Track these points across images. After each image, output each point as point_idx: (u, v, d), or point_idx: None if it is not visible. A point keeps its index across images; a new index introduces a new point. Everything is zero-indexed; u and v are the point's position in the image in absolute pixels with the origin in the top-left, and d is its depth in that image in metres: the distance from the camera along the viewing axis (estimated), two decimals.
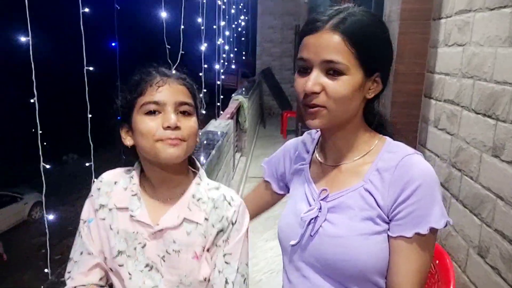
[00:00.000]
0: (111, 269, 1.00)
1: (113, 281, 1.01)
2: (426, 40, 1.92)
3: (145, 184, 1.03)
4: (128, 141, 0.99)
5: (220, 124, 3.63)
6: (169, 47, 2.88)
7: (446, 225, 0.87)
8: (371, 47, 0.89)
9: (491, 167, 1.39)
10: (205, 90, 3.89)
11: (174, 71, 1.03)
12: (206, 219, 0.99)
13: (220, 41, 5.15)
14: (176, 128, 0.92)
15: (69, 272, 1.00)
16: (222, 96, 5.03)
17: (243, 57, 11.15)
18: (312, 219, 0.97)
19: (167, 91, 0.95)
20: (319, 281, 0.96)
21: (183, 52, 3.18)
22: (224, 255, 0.99)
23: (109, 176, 1.06)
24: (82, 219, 1.04)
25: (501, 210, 1.33)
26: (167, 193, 1.01)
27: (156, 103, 0.94)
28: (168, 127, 0.91)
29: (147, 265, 0.98)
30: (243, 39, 10.35)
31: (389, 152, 0.92)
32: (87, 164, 2.71)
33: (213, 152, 2.46)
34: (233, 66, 7.84)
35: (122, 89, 1.01)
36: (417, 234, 0.85)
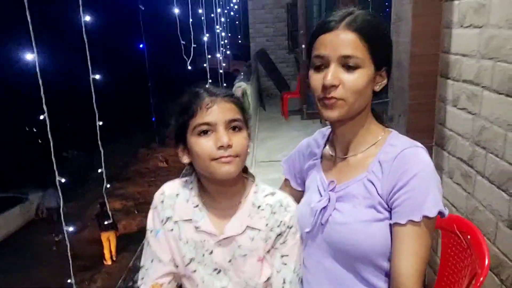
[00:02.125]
0: (184, 275, 1.07)
1: (186, 285, 1.09)
2: (439, 21, 1.96)
3: (204, 195, 1.10)
4: (185, 159, 1.07)
5: None
6: (183, 42, 2.90)
7: (441, 215, 0.94)
8: (380, 43, 0.99)
9: None
10: (210, 81, 3.92)
11: (221, 88, 1.08)
12: (266, 224, 1.07)
13: (218, 28, 5.13)
14: (229, 146, 0.98)
15: (142, 279, 1.08)
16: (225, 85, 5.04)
17: (239, 41, 11.06)
18: (322, 208, 1.05)
19: (216, 111, 1.01)
20: (331, 265, 1.05)
21: (195, 46, 3.21)
22: (281, 257, 1.09)
23: (170, 188, 1.13)
24: (148, 229, 1.11)
25: None
26: (226, 203, 1.09)
27: (207, 124, 1.00)
28: (221, 146, 0.98)
29: (215, 269, 1.07)
30: (236, 22, 10.25)
31: (391, 145, 1.00)
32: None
33: None
34: (228, 52, 7.83)
35: (173, 110, 1.08)
36: (411, 221, 0.92)
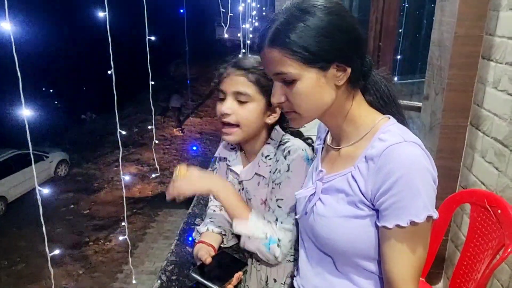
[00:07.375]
0: None
1: None
2: (486, 3, 1.98)
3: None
4: None
5: None
6: (223, 10, 3.00)
7: (429, 220, 0.88)
8: (308, 46, 0.88)
9: None
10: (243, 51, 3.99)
11: (248, 60, 1.18)
12: (270, 171, 1.23)
13: None
14: (226, 114, 1.15)
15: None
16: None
17: (264, 13, 10.96)
18: (311, 196, 1.05)
19: (227, 82, 1.16)
20: (315, 252, 1.07)
21: (231, 15, 3.29)
22: (276, 200, 1.20)
23: None
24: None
25: None
26: (250, 150, 1.30)
27: (221, 91, 1.17)
28: (221, 114, 1.16)
29: (245, 201, 1.30)
30: None
31: (380, 139, 0.92)
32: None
33: None
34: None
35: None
36: (398, 226, 0.87)
